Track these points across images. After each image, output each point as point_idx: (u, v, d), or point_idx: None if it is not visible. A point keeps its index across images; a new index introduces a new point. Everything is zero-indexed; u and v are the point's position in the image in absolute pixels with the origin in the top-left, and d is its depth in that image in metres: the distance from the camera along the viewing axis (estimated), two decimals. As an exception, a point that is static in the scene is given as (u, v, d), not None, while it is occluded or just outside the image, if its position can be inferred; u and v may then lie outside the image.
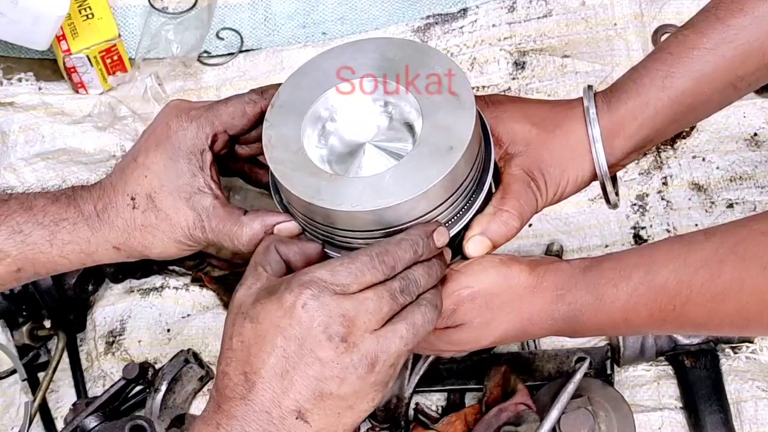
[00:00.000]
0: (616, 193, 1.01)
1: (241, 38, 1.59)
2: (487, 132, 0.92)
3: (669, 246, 0.88)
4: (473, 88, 1.48)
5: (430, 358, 1.18)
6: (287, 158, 0.87)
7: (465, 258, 0.92)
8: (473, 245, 0.91)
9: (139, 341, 1.34)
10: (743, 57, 0.93)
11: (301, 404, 0.77)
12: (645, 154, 1.38)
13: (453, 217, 0.88)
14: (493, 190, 0.94)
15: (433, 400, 1.24)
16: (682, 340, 1.19)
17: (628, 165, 1.36)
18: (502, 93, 1.47)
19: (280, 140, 0.88)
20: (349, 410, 0.79)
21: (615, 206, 1.02)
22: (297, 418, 0.77)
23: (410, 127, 0.89)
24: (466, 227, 0.91)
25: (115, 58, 1.53)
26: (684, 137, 1.39)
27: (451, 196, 0.85)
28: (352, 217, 0.83)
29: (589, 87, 0.97)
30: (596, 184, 1.00)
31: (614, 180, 1.01)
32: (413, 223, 0.84)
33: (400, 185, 0.83)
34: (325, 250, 0.89)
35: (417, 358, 1.17)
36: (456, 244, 0.92)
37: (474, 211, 0.90)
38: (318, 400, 0.78)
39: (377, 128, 0.91)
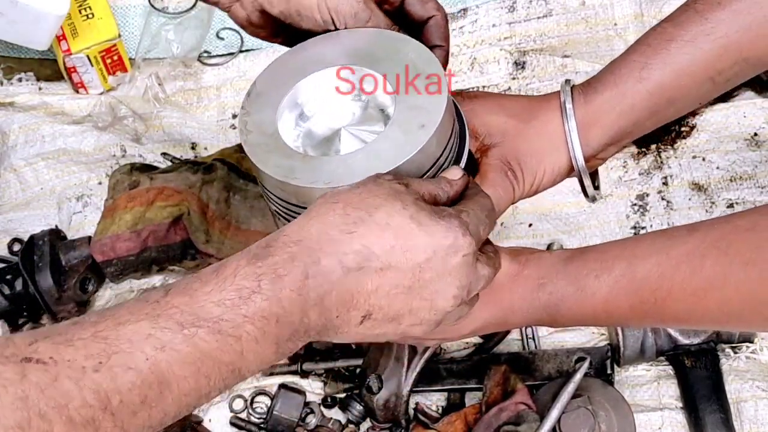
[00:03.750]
0: (597, 186, 1.01)
1: (241, 38, 1.60)
2: (462, 119, 0.93)
3: (652, 239, 0.88)
4: (473, 88, 1.49)
5: (426, 355, 1.18)
6: (262, 141, 0.88)
7: None
8: None
9: (139, 341, 1.34)
10: (721, 50, 0.93)
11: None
12: (645, 153, 1.38)
13: None
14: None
15: (433, 400, 1.24)
16: (682, 340, 1.19)
17: (630, 166, 1.37)
18: (499, 92, 1.48)
19: (256, 125, 0.90)
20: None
21: (593, 199, 1.02)
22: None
23: (385, 113, 0.91)
24: None
25: (115, 58, 1.53)
26: (684, 137, 1.39)
27: (424, 174, 0.86)
28: None
29: (567, 81, 0.98)
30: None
31: (595, 173, 1.01)
32: None
33: (372, 162, 0.83)
34: None
35: (413, 354, 1.17)
36: None
37: None
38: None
39: (352, 115, 0.92)
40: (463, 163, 0.91)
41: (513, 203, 0.97)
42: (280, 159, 0.86)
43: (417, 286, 0.75)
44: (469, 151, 0.94)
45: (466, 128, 0.93)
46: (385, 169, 0.82)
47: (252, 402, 1.27)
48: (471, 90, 1.47)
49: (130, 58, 1.56)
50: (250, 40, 1.60)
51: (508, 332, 1.27)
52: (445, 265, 0.75)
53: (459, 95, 0.99)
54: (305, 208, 0.85)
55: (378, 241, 0.73)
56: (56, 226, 1.44)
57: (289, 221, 0.89)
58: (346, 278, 0.72)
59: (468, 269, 0.76)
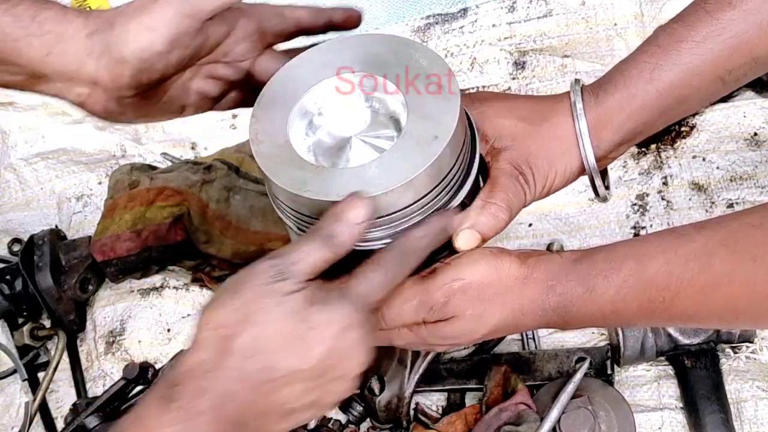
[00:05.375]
0: (607, 186, 1.01)
1: (241, 38, 1.59)
2: (471, 123, 0.93)
3: (660, 238, 0.88)
4: (473, 88, 1.49)
5: (429, 357, 1.18)
6: (274, 152, 0.87)
7: (454, 252, 0.93)
8: (463, 239, 0.91)
9: (139, 341, 1.34)
10: (731, 50, 0.93)
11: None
12: (645, 153, 1.38)
13: (440, 207, 0.88)
14: (481, 184, 0.95)
15: (434, 400, 1.24)
16: (682, 340, 1.19)
17: (630, 166, 1.37)
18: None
19: (267, 135, 0.89)
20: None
21: (604, 199, 1.02)
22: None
23: (396, 121, 0.90)
24: None
25: (115, 58, 1.53)
26: (684, 137, 1.39)
27: (438, 185, 0.86)
28: None
29: (576, 81, 0.98)
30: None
31: (604, 173, 1.01)
32: (400, 212, 0.85)
33: (386, 175, 0.83)
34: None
35: (416, 356, 1.17)
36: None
37: (462, 199, 0.90)
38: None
39: (363, 122, 0.91)
40: (475, 170, 0.90)
41: (525, 206, 0.97)
42: (292, 170, 0.86)
43: (325, 373, 0.78)
44: (480, 155, 0.94)
45: (476, 134, 0.93)
46: (398, 182, 0.82)
47: (252, 402, 1.27)
48: (472, 90, 1.47)
49: (130, 58, 1.55)
50: (250, 40, 1.60)
51: (508, 332, 1.27)
52: (344, 346, 0.78)
53: (466, 97, 0.97)
54: (317, 219, 0.85)
55: (276, 357, 0.76)
56: (56, 226, 1.44)
57: (302, 231, 0.89)
58: (257, 397, 0.76)
59: (365, 338, 0.79)
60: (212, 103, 0.99)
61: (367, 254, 0.86)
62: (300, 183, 0.84)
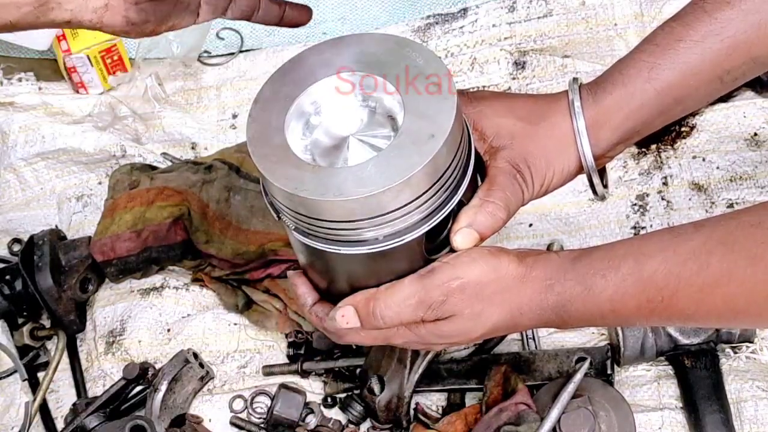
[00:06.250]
0: (605, 185, 1.01)
1: (242, 38, 1.60)
2: (465, 124, 0.93)
3: (658, 237, 0.88)
4: (473, 88, 1.49)
5: (429, 357, 1.18)
6: (271, 152, 0.87)
7: (453, 251, 0.93)
8: (461, 237, 0.91)
9: (139, 341, 1.34)
10: (730, 50, 0.93)
11: None
12: (645, 153, 1.38)
13: (438, 206, 0.89)
14: (479, 183, 0.95)
15: (434, 400, 1.24)
16: (682, 340, 1.19)
17: (630, 166, 1.37)
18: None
19: (264, 134, 0.89)
20: None
21: (602, 198, 1.02)
22: None
23: (393, 120, 0.90)
24: (452, 217, 0.92)
25: (115, 58, 1.53)
26: (684, 137, 1.39)
27: (435, 184, 0.86)
28: (336, 207, 0.84)
29: (575, 79, 0.97)
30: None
31: (603, 172, 1.01)
32: (398, 210, 0.85)
33: (383, 174, 0.83)
34: (311, 243, 0.89)
35: (415, 356, 1.17)
36: (443, 237, 0.92)
37: (459, 198, 0.90)
38: None
39: (360, 121, 0.91)
40: (471, 168, 0.90)
41: (523, 205, 0.97)
42: (288, 170, 0.85)
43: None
44: (477, 154, 0.94)
45: (471, 133, 0.93)
46: (395, 180, 0.82)
47: (252, 402, 1.27)
48: (473, 89, 1.47)
49: (130, 58, 1.56)
50: (250, 40, 1.60)
51: (508, 332, 1.27)
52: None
53: (465, 96, 0.98)
54: (315, 218, 0.86)
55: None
56: (56, 226, 1.44)
57: (300, 231, 0.89)
58: None
59: None
60: (225, 4, 0.98)
61: (371, 257, 0.86)
62: (297, 182, 0.84)
